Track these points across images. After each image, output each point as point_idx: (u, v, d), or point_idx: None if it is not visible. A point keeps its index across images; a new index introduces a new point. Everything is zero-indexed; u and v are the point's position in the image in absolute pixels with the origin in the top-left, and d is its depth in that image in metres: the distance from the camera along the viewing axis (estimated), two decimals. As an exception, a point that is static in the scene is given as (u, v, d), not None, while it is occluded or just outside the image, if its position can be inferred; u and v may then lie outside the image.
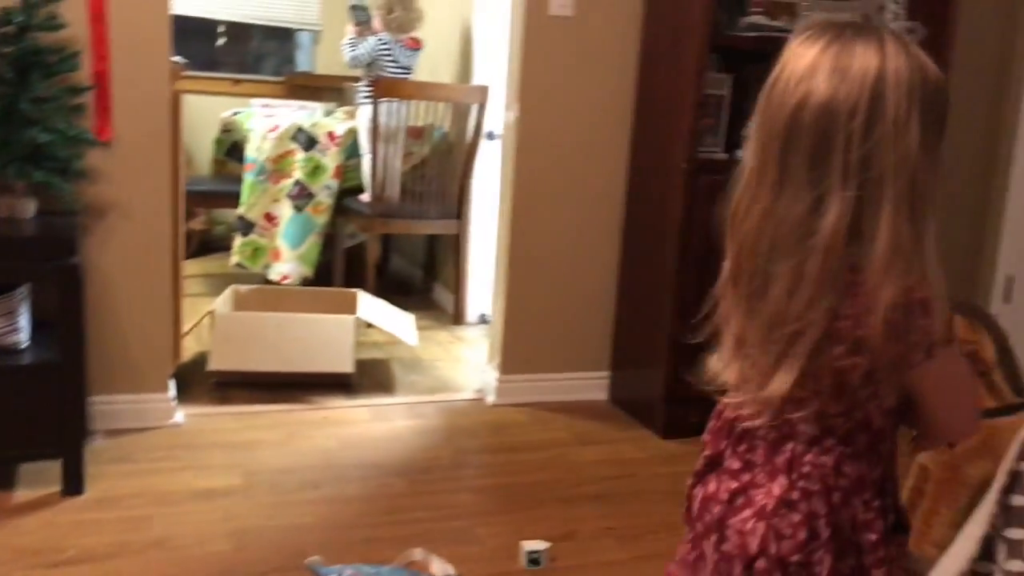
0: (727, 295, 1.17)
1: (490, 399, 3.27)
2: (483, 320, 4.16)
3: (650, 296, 3.08)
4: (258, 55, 6.47)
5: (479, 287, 4.22)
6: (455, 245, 4.30)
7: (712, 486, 1.18)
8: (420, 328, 3.70)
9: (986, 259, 3.74)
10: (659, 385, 3.01)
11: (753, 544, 1.10)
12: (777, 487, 1.10)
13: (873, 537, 1.10)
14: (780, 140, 1.04)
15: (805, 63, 1.03)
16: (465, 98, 4.19)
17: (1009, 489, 1.96)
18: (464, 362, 3.75)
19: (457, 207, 4.26)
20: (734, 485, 1.15)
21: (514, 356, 3.26)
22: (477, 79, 4.29)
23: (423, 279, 4.92)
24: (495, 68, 4.09)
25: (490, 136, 4.17)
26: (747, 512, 1.12)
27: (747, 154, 1.11)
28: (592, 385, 3.35)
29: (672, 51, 2.96)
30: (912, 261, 1.00)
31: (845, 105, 1.00)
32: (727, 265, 1.17)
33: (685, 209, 2.89)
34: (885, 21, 3.15)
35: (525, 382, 3.27)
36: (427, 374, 3.56)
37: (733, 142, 3.07)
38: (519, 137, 3.14)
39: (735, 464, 1.17)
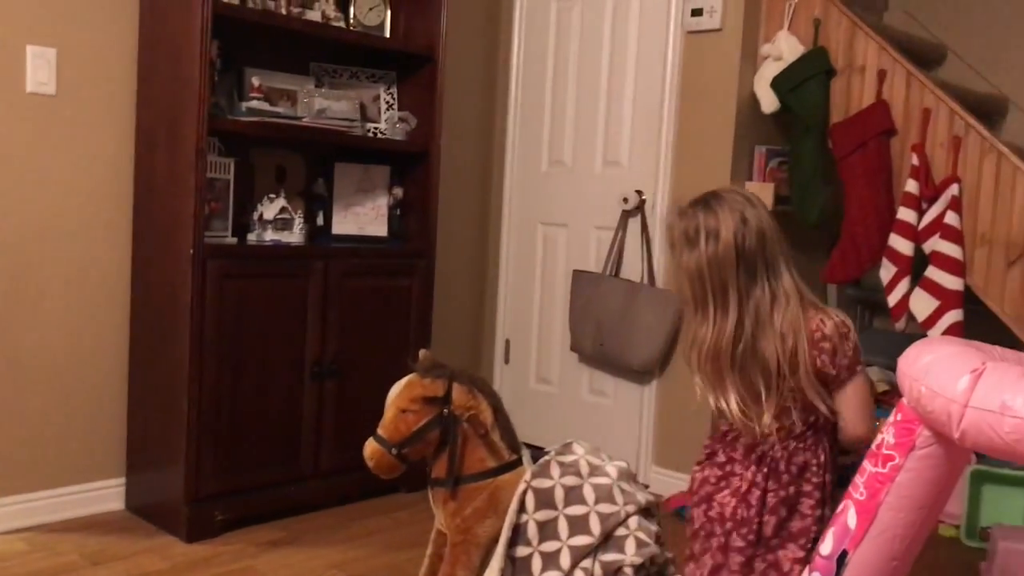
0: (709, 374, 1.70)
1: (-24, 529, 2.80)
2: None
3: (164, 390, 2.89)
4: None
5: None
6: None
7: (707, 471, 1.79)
8: None
9: (487, 325, 4.11)
10: (179, 486, 2.82)
11: (727, 512, 1.72)
12: (749, 474, 1.71)
13: (811, 502, 1.69)
14: (733, 268, 1.62)
15: (725, 221, 1.63)
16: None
17: (513, 542, 2.13)
18: (-58, 489, 3.18)
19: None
20: (720, 473, 1.76)
21: (1, 475, 2.84)
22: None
23: None
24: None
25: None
26: (726, 491, 1.73)
27: (690, 296, 1.68)
28: (106, 495, 3.03)
29: (170, 134, 2.85)
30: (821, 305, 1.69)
31: (767, 226, 1.65)
32: (708, 360, 1.68)
33: (195, 297, 2.77)
34: (382, 110, 3.35)
35: (20, 503, 2.86)
36: None
37: (242, 225, 3.03)
38: (-3, 226, 2.78)
39: (722, 458, 1.77)
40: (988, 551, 2.86)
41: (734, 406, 1.66)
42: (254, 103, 3.00)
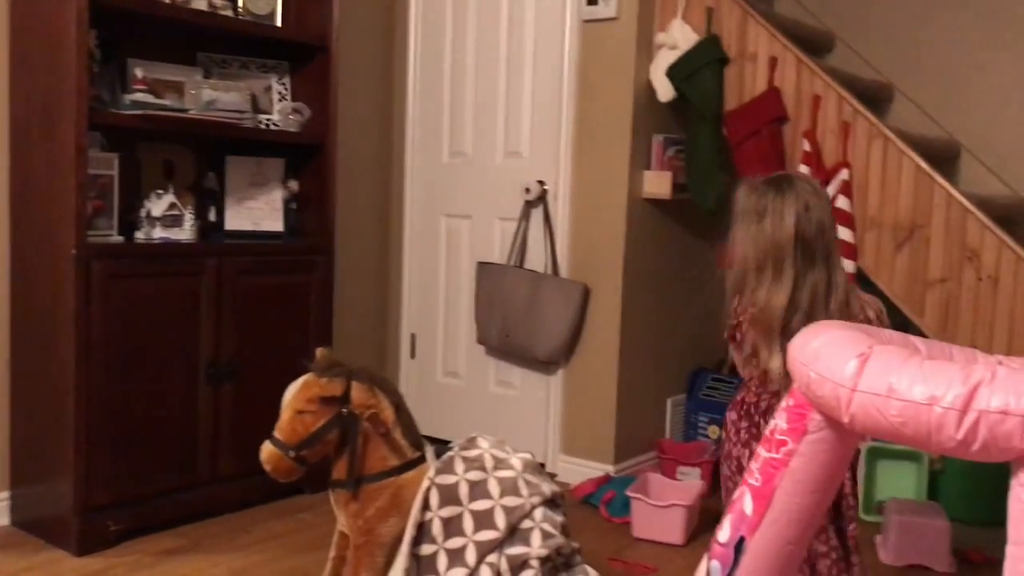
0: (757, 334, 1.86)
1: None
2: None
3: (50, 397, 2.75)
4: None
5: None
6: None
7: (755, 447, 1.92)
8: None
9: (392, 320, 4.05)
10: (68, 496, 2.69)
11: None
12: None
13: None
14: (791, 249, 1.81)
15: (790, 205, 1.82)
16: None
17: (418, 540, 2.10)
18: None
19: None
20: None
21: None
22: None
23: None
24: None
25: None
26: None
27: (751, 263, 1.85)
28: (-10, 510, 2.88)
29: (47, 129, 2.71)
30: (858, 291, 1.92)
31: (827, 218, 1.85)
32: (757, 321, 1.86)
33: (80, 299, 2.64)
34: (275, 101, 3.26)
35: None
36: None
37: (129, 223, 2.91)
38: None
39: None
40: (883, 524, 2.95)
41: (777, 365, 1.83)
42: (138, 95, 2.87)
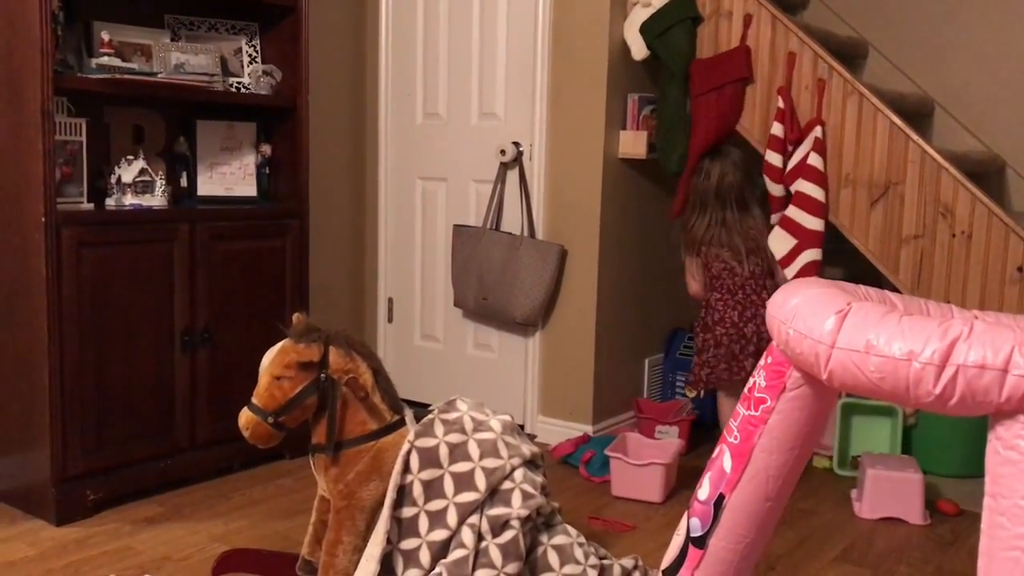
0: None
1: None
2: None
3: (23, 368, 2.72)
4: None
5: None
6: None
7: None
8: None
9: (368, 284, 4.03)
10: (45, 467, 2.67)
11: None
12: None
13: None
14: (711, 195, 3.12)
15: (713, 167, 3.17)
16: None
17: (399, 503, 2.10)
18: None
19: None
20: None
21: None
22: None
23: None
24: None
25: None
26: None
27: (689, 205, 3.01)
28: (-35, 481, 2.86)
29: (10, 95, 2.64)
30: None
31: (737, 178, 3.14)
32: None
33: (51, 268, 2.60)
34: (245, 63, 3.20)
35: None
36: None
37: (99, 190, 2.86)
38: None
39: None
40: (858, 478, 3.00)
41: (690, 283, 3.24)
42: (104, 59, 2.81)
